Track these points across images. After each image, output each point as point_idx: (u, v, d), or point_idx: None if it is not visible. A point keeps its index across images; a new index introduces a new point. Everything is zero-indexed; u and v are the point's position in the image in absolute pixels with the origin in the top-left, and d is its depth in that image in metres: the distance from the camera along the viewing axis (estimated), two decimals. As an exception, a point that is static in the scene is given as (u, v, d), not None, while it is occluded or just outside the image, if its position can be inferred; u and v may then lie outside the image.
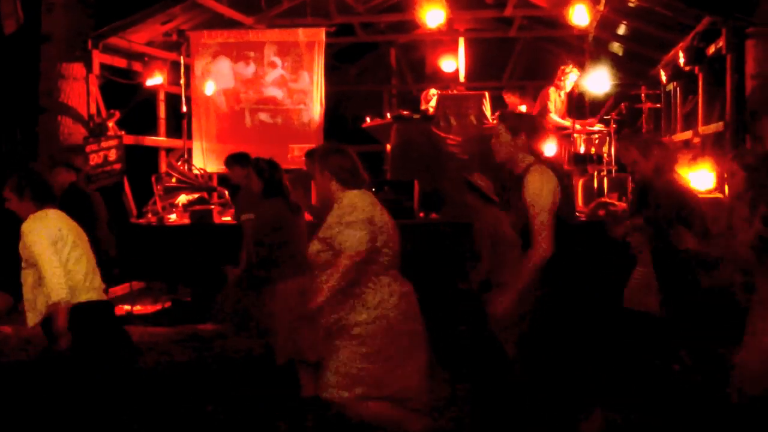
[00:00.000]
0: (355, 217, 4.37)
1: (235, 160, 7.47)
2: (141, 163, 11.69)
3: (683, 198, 5.75)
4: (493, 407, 5.61)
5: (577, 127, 10.75)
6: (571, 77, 11.10)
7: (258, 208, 6.42)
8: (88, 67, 10.58)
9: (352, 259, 4.32)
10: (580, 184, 10.45)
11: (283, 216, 6.18)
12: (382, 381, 4.40)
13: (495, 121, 10.85)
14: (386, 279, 4.47)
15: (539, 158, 4.83)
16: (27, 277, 4.96)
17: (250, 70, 12.31)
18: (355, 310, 4.41)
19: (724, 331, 5.44)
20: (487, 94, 11.19)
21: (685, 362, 5.91)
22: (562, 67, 11.24)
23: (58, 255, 4.75)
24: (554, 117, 10.94)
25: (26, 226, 4.87)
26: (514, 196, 4.74)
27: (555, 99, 11.06)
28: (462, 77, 13.64)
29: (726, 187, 8.58)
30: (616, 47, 14.07)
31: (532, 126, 4.89)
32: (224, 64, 12.30)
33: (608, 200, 9.90)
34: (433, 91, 11.83)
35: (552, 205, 4.53)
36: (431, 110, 11.23)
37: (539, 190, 4.54)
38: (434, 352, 4.73)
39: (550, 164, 4.82)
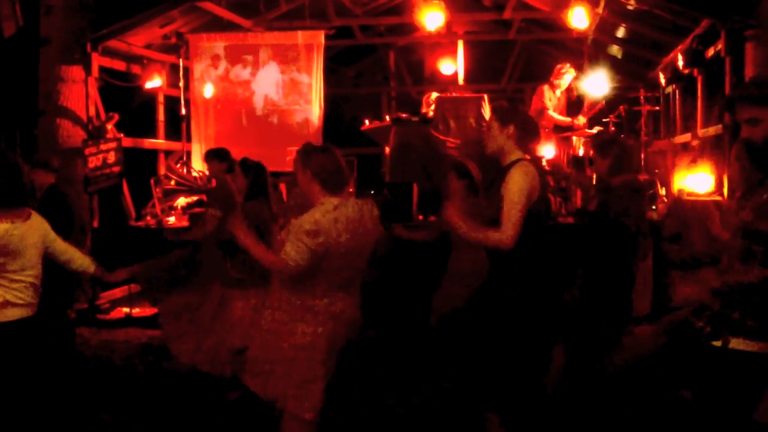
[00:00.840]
0: (309, 239, 4.18)
1: (213, 154, 7.46)
2: (140, 166, 11.69)
3: (631, 200, 5.89)
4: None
5: (579, 121, 10.80)
6: (566, 77, 11.12)
7: (233, 208, 6.40)
8: (87, 69, 10.58)
9: (286, 267, 4.21)
10: (578, 186, 10.47)
11: (264, 220, 6.17)
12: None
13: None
14: (341, 295, 4.37)
15: (527, 155, 4.83)
16: None
17: (248, 72, 12.33)
18: (306, 322, 4.31)
19: None
20: (486, 96, 11.18)
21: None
22: (558, 66, 11.27)
23: None
24: (553, 114, 10.96)
25: None
26: (495, 188, 4.75)
27: (550, 96, 11.07)
28: (461, 80, 13.65)
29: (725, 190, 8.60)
30: (615, 50, 14.09)
31: (524, 120, 4.87)
32: (223, 67, 12.31)
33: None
34: (434, 94, 11.83)
35: (525, 202, 4.54)
36: (432, 114, 11.24)
37: (518, 186, 4.55)
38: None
39: (536, 164, 4.88)
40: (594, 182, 10.05)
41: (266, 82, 12.34)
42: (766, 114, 3.34)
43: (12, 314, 4.54)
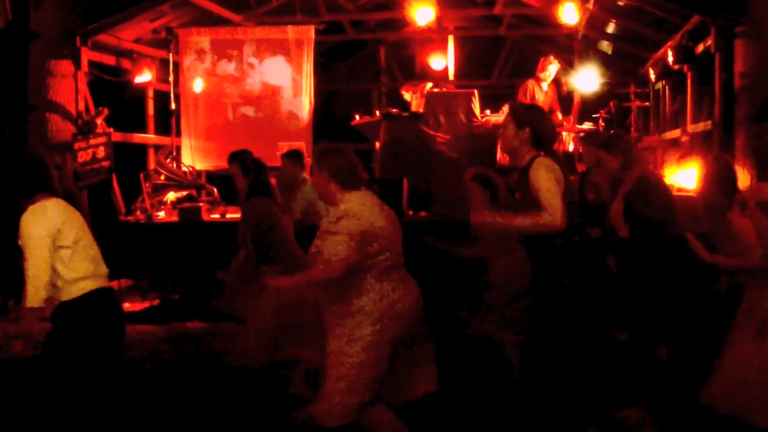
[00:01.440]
0: (344, 226, 4.25)
1: (233, 157, 7.43)
2: (129, 161, 11.65)
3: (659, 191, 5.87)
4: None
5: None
6: (551, 68, 11.12)
7: (242, 207, 6.42)
8: (77, 64, 10.54)
9: (335, 270, 4.23)
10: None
11: (271, 216, 6.16)
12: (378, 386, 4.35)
13: (484, 119, 10.89)
14: (388, 286, 4.35)
15: (545, 152, 4.80)
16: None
17: (239, 67, 12.31)
18: (358, 324, 4.30)
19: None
20: (476, 92, 11.20)
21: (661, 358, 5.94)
22: (542, 59, 11.26)
23: (49, 253, 4.57)
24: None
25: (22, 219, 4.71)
26: (523, 189, 4.74)
27: (537, 92, 11.07)
28: (451, 75, 13.66)
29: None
30: (605, 46, 14.10)
31: (540, 123, 4.84)
32: (211, 62, 12.30)
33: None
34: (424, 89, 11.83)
35: (559, 188, 4.54)
36: (416, 105, 11.26)
37: (545, 176, 4.55)
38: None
39: (556, 158, 4.80)
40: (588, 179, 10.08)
41: (257, 77, 12.33)
42: None
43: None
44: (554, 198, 4.48)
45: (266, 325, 6.04)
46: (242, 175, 6.37)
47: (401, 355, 4.40)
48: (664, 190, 6.06)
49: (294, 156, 8.49)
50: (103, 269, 4.64)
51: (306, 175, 8.37)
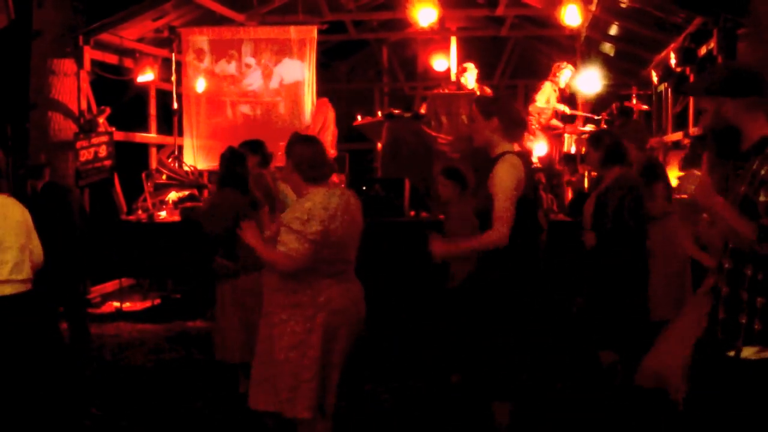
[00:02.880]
0: (304, 228, 4.14)
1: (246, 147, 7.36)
2: (131, 160, 11.65)
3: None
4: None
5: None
6: (565, 73, 11.18)
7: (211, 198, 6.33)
8: (79, 63, 10.54)
9: (282, 264, 4.18)
10: (569, 184, 10.51)
11: (240, 208, 5.91)
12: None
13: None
14: (327, 284, 4.26)
15: (515, 145, 4.75)
16: None
17: (242, 67, 12.31)
18: (291, 317, 4.23)
19: None
20: (478, 93, 11.20)
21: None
22: (557, 64, 11.32)
23: None
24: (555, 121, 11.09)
25: None
26: (483, 181, 4.68)
27: (550, 94, 11.12)
28: (453, 76, 13.65)
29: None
30: (607, 48, 14.10)
31: (507, 112, 4.78)
32: (215, 62, 12.29)
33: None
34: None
35: (514, 194, 4.48)
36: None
37: (505, 178, 4.49)
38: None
39: (524, 156, 4.72)
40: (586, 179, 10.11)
41: (259, 77, 12.33)
42: (708, 104, 3.29)
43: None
44: (506, 211, 4.45)
45: (232, 324, 5.99)
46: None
47: (333, 362, 4.31)
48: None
49: None
50: (23, 275, 4.55)
51: None
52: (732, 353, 3.07)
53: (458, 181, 6.56)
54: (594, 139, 5.99)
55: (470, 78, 11.38)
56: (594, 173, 7.70)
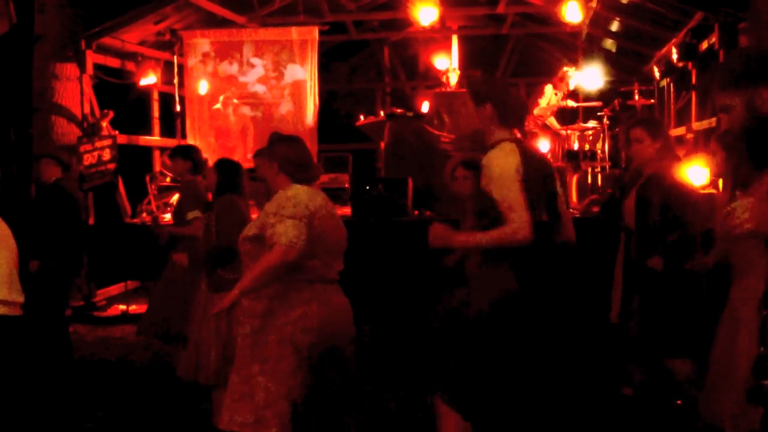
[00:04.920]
0: (295, 211, 3.89)
1: (177, 151, 7.12)
2: (135, 163, 11.67)
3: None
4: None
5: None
6: (570, 81, 11.16)
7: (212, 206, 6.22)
8: (82, 67, 10.56)
9: (284, 254, 3.82)
10: (574, 181, 10.50)
11: (238, 216, 5.73)
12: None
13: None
14: (306, 295, 3.99)
15: (515, 132, 4.13)
16: None
17: (243, 69, 12.32)
18: (261, 328, 3.99)
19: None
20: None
21: (634, 378, 5.62)
22: (565, 70, 11.26)
23: None
24: (552, 120, 11.07)
25: None
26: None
27: (551, 97, 11.09)
28: (444, 77, 13.66)
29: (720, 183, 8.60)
30: (609, 44, 14.09)
31: (502, 95, 4.10)
32: (217, 64, 12.31)
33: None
34: None
35: (516, 179, 3.82)
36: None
37: (499, 165, 3.87)
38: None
39: (521, 143, 4.06)
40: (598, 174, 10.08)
41: (261, 79, 12.34)
42: (736, 99, 2.92)
43: None
44: (510, 199, 3.78)
45: (206, 338, 5.61)
46: (213, 174, 6.05)
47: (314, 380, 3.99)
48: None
49: None
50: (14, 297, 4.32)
51: None
52: None
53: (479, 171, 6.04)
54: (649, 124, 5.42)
55: (453, 80, 11.37)
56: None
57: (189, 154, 6.86)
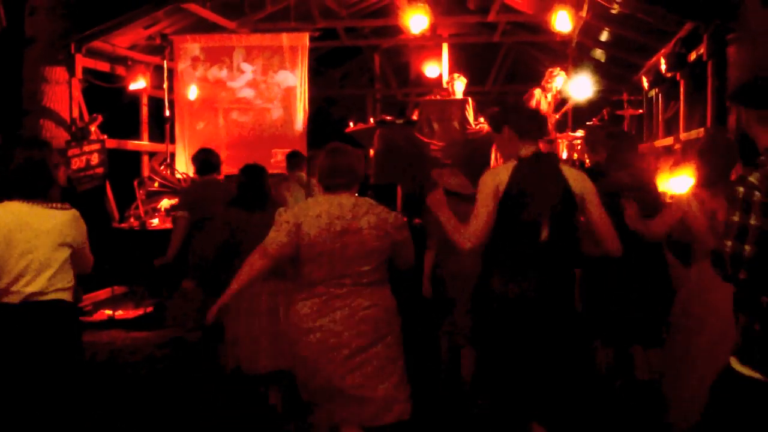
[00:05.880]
0: (283, 218, 4.24)
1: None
2: (123, 168, 11.64)
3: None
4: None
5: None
6: (558, 80, 11.20)
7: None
8: (71, 70, 10.53)
9: (260, 255, 4.22)
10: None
11: (241, 224, 5.85)
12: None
13: (478, 127, 10.94)
14: (305, 300, 4.24)
15: (539, 146, 4.41)
16: None
17: (233, 74, 12.32)
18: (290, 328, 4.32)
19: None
20: (470, 99, 11.23)
21: (606, 362, 5.81)
22: (550, 70, 11.33)
23: None
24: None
25: None
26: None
27: (542, 100, 11.12)
28: (445, 83, 13.69)
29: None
30: (598, 53, 14.15)
31: (514, 116, 4.55)
32: (207, 69, 12.31)
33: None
34: None
35: (488, 201, 4.19)
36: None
37: (483, 182, 4.29)
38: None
39: (530, 161, 4.31)
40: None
41: (250, 84, 12.34)
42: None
43: None
44: (476, 213, 4.22)
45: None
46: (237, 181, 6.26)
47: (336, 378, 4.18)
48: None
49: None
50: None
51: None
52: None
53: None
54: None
55: (458, 87, 11.40)
56: None
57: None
